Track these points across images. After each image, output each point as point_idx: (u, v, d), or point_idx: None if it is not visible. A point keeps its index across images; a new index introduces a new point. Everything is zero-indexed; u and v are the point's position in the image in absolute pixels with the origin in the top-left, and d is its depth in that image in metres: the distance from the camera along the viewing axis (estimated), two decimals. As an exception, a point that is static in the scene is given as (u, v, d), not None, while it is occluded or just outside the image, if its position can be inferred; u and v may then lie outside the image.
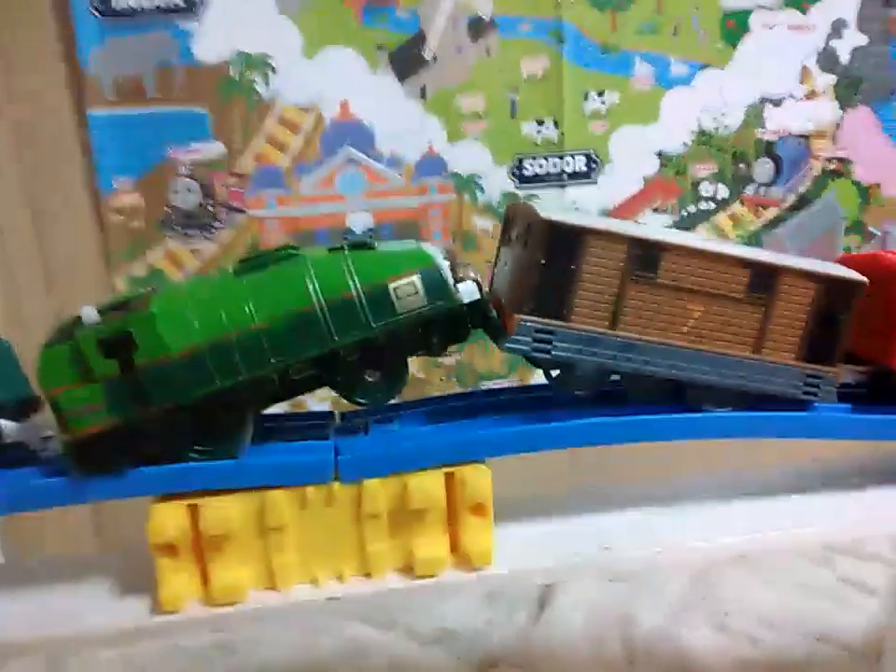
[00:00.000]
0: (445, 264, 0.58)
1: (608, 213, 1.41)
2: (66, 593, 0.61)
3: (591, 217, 0.61)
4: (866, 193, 1.47)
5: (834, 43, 1.41)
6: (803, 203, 1.46)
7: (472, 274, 0.60)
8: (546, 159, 1.37)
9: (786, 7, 1.38)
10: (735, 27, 1.37)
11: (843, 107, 1.43)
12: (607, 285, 0.57)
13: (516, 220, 0.62)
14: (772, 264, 0.59)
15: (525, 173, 1.37)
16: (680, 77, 1.37)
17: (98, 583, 0.61)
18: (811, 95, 1.42)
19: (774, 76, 1.40)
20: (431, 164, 1.35)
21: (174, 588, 0.57)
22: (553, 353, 0.57)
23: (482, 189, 1.37)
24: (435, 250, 0.59)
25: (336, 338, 0.56)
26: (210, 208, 1.30)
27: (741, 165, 1.43)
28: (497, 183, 1.37)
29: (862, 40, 1.42)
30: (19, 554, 1.19)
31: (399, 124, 1.33)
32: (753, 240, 1.45)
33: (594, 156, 1.38)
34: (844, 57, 1.42)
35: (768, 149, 1.43)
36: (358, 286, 0.56)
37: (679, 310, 0.59)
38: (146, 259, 1.31)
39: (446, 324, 0.58)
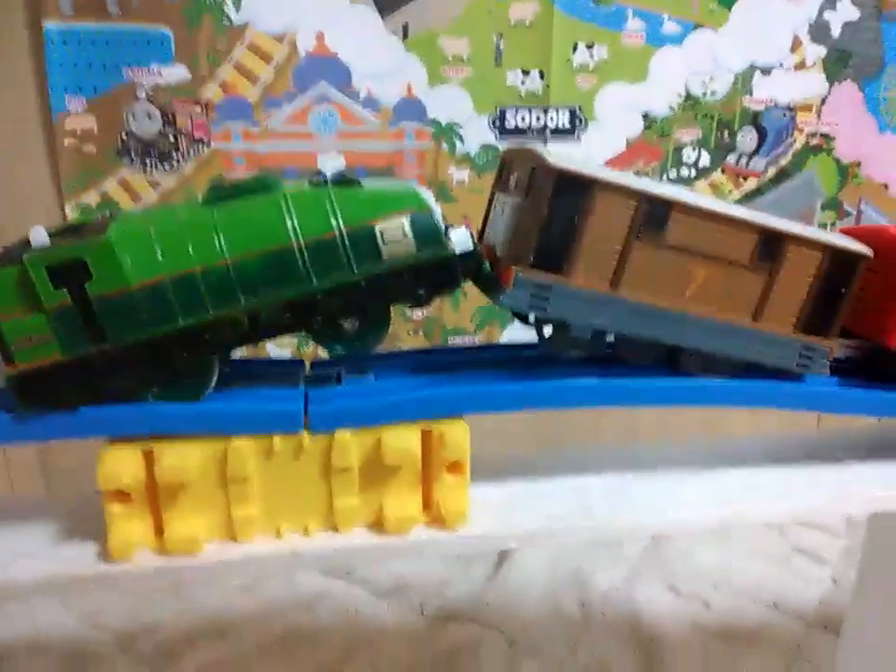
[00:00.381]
0: (438, 208, 0.53)
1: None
2: (9, 536, 0.56)
3: (599, 168, 0.57)
4: (846, 171, 1.47)
5: (828, 15, 1.39)
6: (782, 176, 1.45)
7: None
8: (530, 111, 1.32)
9: (783, -29, 1.34)
10: (730, -11, 1.33)
11: (830, 81, 1.42)
12: (611, 241, 0.54)
13: (515, 165, 0.58)
14: (781, 230, 0.57)
15: (507, 125, 1.33)
16: (672, 36, 1.33)
17: (44, 527, 0.57)
18: (800, 66, 1.40)
19: (765, 43, 1.38)
20: (410, 108, 1.29)
21: (124, 536, 0.52)
22: (550, 310, 0.54)
23: (461, 139, 1.32)
24: (427, 192, 0.54)
25: (314, 281, 0.51)
26: (171, 137, 1.22)
27: (725, 133, 1.40)
28: (477, 133, 1.32)
29: (855, 14, 1.39)
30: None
31: (377, 62, 1.26)
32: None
33: (578, 113, 1.34)
34: (835, 30, 1.40)
35: (753, 119, 1.41)
36: (342, 226, 0.51)
37: (682, 272, 0.56)
38: (100, 186, 1.22)
39: (435, 273, 0.53)
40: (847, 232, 0.63)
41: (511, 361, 0.63)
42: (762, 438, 0.72)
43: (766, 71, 1.39)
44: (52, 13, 1.15)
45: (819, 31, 1.39)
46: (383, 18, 1.24)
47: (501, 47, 1.29)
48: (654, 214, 0.54)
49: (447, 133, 1.31)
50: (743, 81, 1.38)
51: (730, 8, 1.34)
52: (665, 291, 0.56)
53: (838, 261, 0.58)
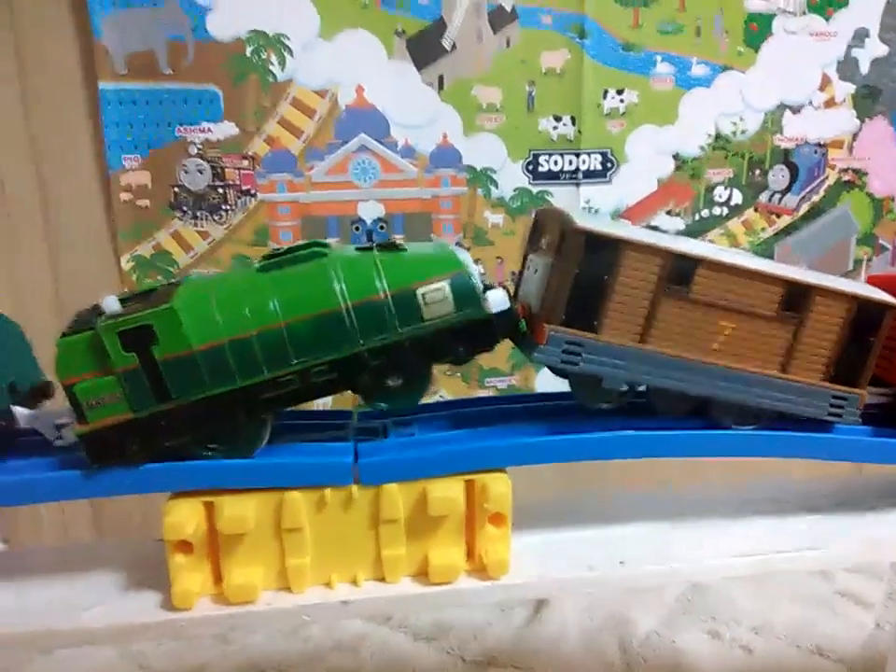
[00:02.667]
0: (476, 271, 0.56)
1: (621, 213, 1.40)
2: (75, 584, 0.59)
3: (625, 227, 0.60)
4: (880, 206, 1.47)
5: (856, 52, 1.40)
6: (816, 212, 1.45)
7: (481, 270, 0.58)
8: (562, 155, 1.36)
9: (809, 12, 1.37)
10: (757, 30, 1.36)
11: (860, 118, 1.43)
12: (639, 298, 0.56)
13: (546, 226, 0.61)
14: (806, 283, 0.58)
15: (540, 169, 1.36)
16: (701, 79, 1.36)
17: (106, 576, 0.60)
18: (830, 104, 1.41)
19: (794, 82, 1.39)
20: (445, 156, 1.33)
21: (187, 585, 0.56)
22: (582, 365, 0.56)
23: (495, 184, 1.36)
24: (466, 255, 0.57)
25: (361, 341, 0.54)
26: (220, 190, 1.28)
27: (756, 172, 1.42)
28: (511, 178, 1.36)
29: (883, 50, 1.41)
30: (16, 543, 1.18)
31: (414, 113, 1.31)
32: (765, 247, 1.45)
33: (610, 155, 1.37)
34: (864, 66, 1.41)
35: (785, 157, 1.42)
36: (387, 289, 0.54)
37: (710, 326, 0.58)
38: (153, 239, 1.28)
39: (473, 332, 0.56)
40: (873, 281, 0.65)
41: (547, 412, 0.65)
42: (794, 482, 0.73)
43: (796, 109, 1.40)
44: (107, 74, 1.22)
45: (847, 68, 1.41)
46: (419, 71, 1.30)
47: (533, 94, 1.33)
48: (680, 270, 0.56)
49: (482, 178, 1.35)
50: (773, 120, 1.40)
51: (757, 49, 1.36)
52: (693, 344, 0.58)
53: (864, 312, 0.59)
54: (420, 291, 0.55)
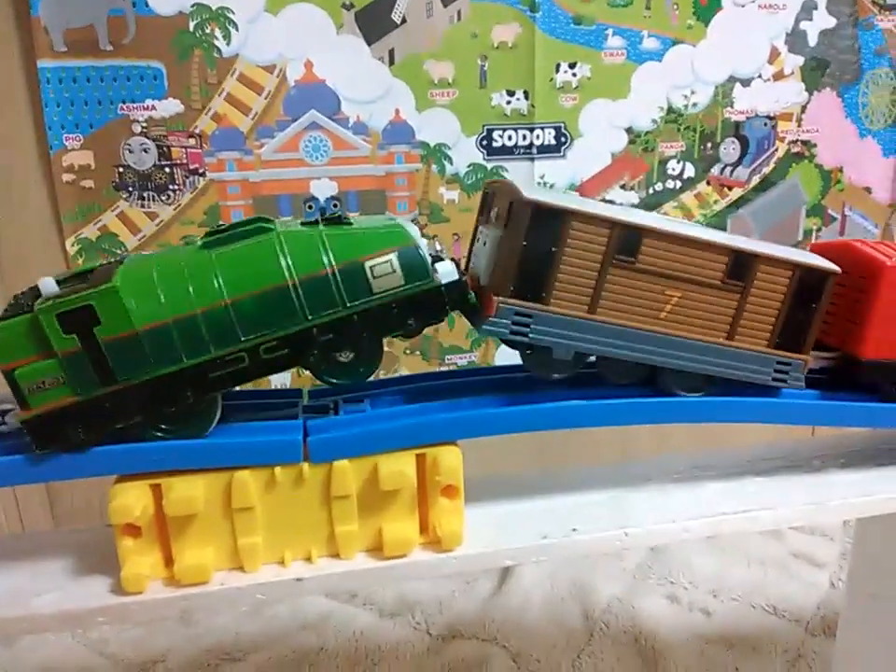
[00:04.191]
0: (424, 243, 0.56)
1: (576, 188, 1.41)
2: (25, 572, 0.58)
3: (573, 199, 0.60)
4: (828, 177, 1.49)
5: (804, 24, 1.42)
6: (767, 184, 1.47)
7: (438, 247, 0.58)
8: (516, 130, 1.35)
9: (758, -15, 1.38)
10: (707, 3, 1.36)
11: (809, 90, 1.45)
12: (587, 268, 0.56)
13: (496, 199, 0.60)
14: (751, 251, 0.59)
15: (494, 144, 1.35)
16: (652, 52, 1.36)
17: (57, 563, 0.59)
18: (779, 76, 1.43)
19: (743, 55, 1.41)
20: (398, 132, 1.32)
21: (136, 568, 0.55)
22: (531, 336, 0.56)
23: (449, 160, 1.35)
24: (414, 228, 0.57)
25: (309, 317, 0.54)
26: (167, 169, 1.25)
27: (708, 145, 1.43)
28: (465, 154, 1.35)
29: (831, 23, 1.43)
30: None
31: (365, 89, 1.29)
32: (718, 220, 1.47)
33: (563, 130, 1.37)
34: (812, 39, 1.43)
35: (735, 130, 1.43)
36: (333, 263, 0.53)
37: (657, 295, 0.58)
38: (98, 220, 1.25)
39: (423, 304, 0.56)
40: (816, 249, 0.66)
41: (500, 385, 0.66)
42: (744, 449, 0.75)
43: (746, 82, 1.42)
44: (46, 52, 1.18)
45: (796, 40, 1.43)
46: (369, 45, 1.28)
47: (485, 69, 1.32)
48: (627, 240, 0.56)
49: (436, 154, 1.34)
50: (723, 93, 1.41)
51: (707, 23, 1.37)
52: (641, 314, 0.58)
53: (807, 279, 0.60)
54: (368, 264, 0.54)
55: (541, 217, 0.54)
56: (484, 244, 0.61)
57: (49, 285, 0.51)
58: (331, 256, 0.54)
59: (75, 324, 0.50)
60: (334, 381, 0.57)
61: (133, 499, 0.54)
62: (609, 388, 0.62)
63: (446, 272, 0.56)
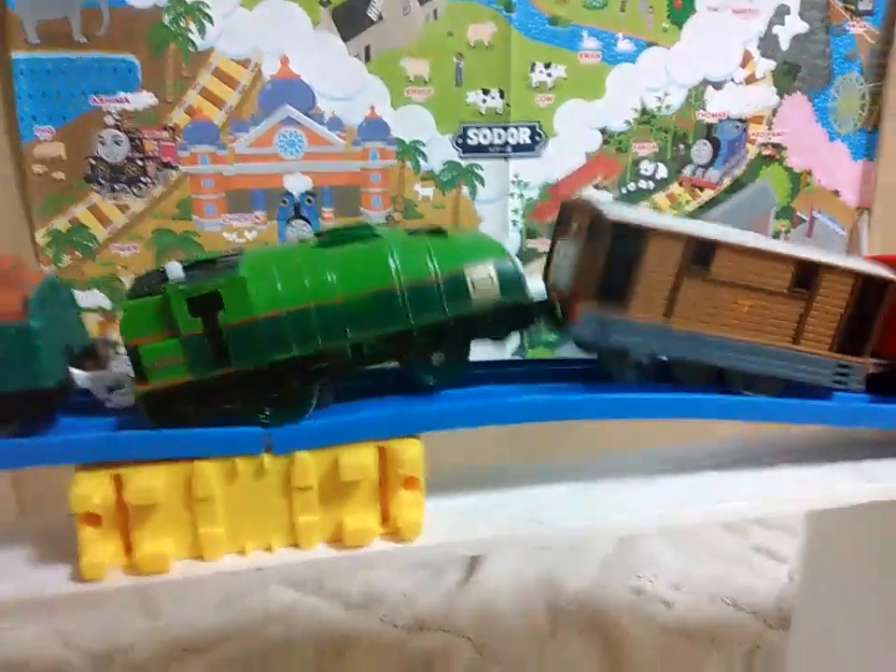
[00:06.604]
0: (517, 259, 0.60)
1: (550, 187, 1.42)
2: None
3: (649, 215, 0.66)
4: (798, 180, 1.52)
5: (776, 29, 1.44)
6: (737, 186, 1.50)
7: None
8: (490, 129, 1.36)
9: (731, -11, 1.40)
10: (681, 7, 1.38)
11: (780, 94, 1.47)
12: (664, 279, 0.60)
13: (574, 215, 0.65)
14: (816, 261, 0.63)
15: (469, 142, 1.36)
16: (626, 54, 1.38)
17: (18, 550, 0.59)
18: (751, 79, 1.45)
19: (716, 58, 1.42)
20: (373, 128, 1.32)
21: (96, 557, 0.55)
22: (613, 340, 0.60)
23: (424, 157, 1.36)
24: (509, 244, 0.61)
25: (412, 319, 0.57)
26: (139, 162, 1.24)
27: (681, 146, 1.45)
28: (440, 151, 1.36)
29: (803, 28, 1.45)
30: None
31: (341, 85, 1.29)
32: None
33: (538, 129, 1.38)
34: (784, 43, 1.45)
35: (707, 132, 1.45)
36: (438, 271, 0.57)
37: (728, 303, 0.62)
38: (69, 212, 1.24)
39: (515, 315, 0.60)
40: (875, 260, 0.68)
41: (469, 380, 0.66)
42: (704, 444, 0.76)
43: (718, 85, 1.44)
44: (18, 43, 1.17)
45: (768, 45, 1.45)
46: (345, 42, 1.28)
47: (461, 67, 1.33)
48: (700, 253, 0.61)
49: (411, 151, 1.35)
50: (696, 96, 1.43)
51: (681, 26, 1.39)
52: (712, 320, 0.62)
53: (869, 287, 0.64)
54: (469, 275, 0.58)
55: (622, 233, 0.59)
56: (564, 256, 0.66)
57: (176, 269, 0.54)
58: (436, 264, 0.58)
59: (201, 308, 0.53)
60: (426, 380, 0.61)
61: (92, 489, 0.54)
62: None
63: (539, 289, 0.63)
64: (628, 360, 0.63)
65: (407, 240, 0.59)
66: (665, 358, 0.64)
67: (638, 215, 0.61)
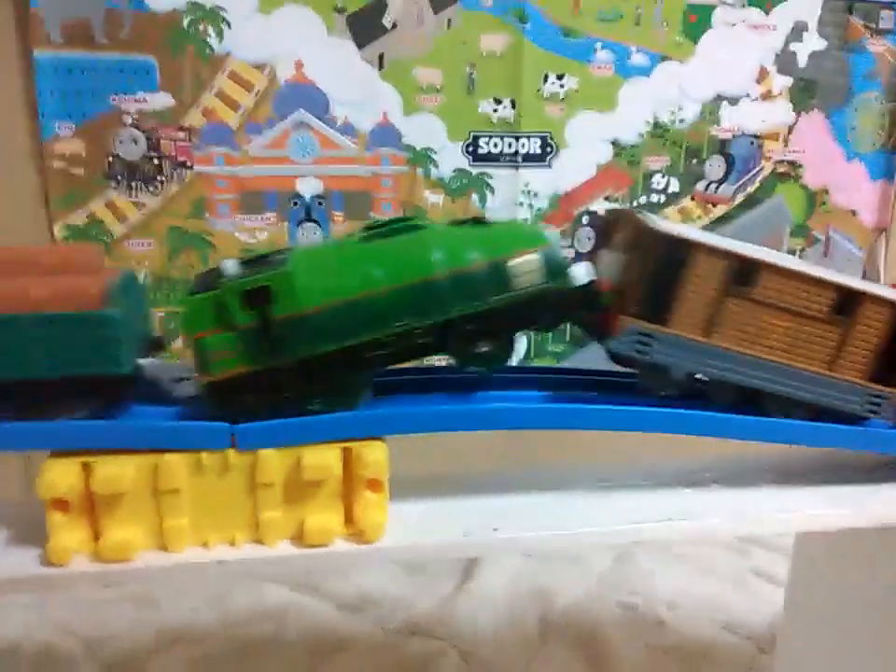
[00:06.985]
0: (560, 247, 0.61)
1: (560, 198, 1.42)
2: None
3: (695, 231, 0.64)
4: (813, 198, 1.50)
5: (794, 45, 1.43)
6: (751, 202, 1.48)
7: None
8: (501, 138, 1.37)
9: (748, 5, 1.39)
10: (696, 22, 1.38)
11: (797, 111, 1.45)
12: (706, 295, 0.60)
13: (620, 227, 0.65)
14: (857, 288, 0.62)
15: (480, 151, 1.37)
16: (640, 68, 1.38)
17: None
18: (767, 96, 1.44)
19: (732, 74, 1.42)
20: (385, 134, 1.34)
21: (63, 542, 0.57)
22: (653, 355, 0.60)
23: (435, 164, 1.37)
24: (553, 233, 0.62)
25: (456, 308, 0.58)
26: (155, 161, 1.28)
27: (693, 161, 1.44)
28: (451, 159, 1.37)
29: (821, 45, 1.43)
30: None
31: (354, 91, 1.31)
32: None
33: (549, 139, 1.38)
34: (802, 60, 1.44)
35: (721, 147, 1.44)
36: (480, 260, 0.58)
37: (767, 324, 0.62)
38: (87, 208, 1.28)
39: (560, 302, 0.60)
40: None
41: (445, 383, 0.67)
42: (680, 461, 0.76)
43: (733, 101, 1.43)
44: (42, 42, 1.21)
45: (785, 61, 1.43)
46: (359, 49, 1.30)
47: (473, 76, 1.34)
48: (744, 272, 0.60)
49: (422, 158, 1.36)
50: (710, 111, 1.42)
51: (696, 41, 1.38)
52: (751, 340, 0.62)
53: None
54: (511, 263, 0.58)
55: (668, 247, 0.58)
56: (606, 266, 0.65)
57: (231, 266, 0.57)
58: (479, 253, 0.58)
59: (253, 301, 0.55)
60: (472, 369, 0.61)
61: (60, 476, 0.56)
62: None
63: (580, 273, 0.61)
64: (668, 377, 0.62)
65: (450, 230, 0.61)
66: (699, 376, 0.64)
67: (684, 229, 0.61)
